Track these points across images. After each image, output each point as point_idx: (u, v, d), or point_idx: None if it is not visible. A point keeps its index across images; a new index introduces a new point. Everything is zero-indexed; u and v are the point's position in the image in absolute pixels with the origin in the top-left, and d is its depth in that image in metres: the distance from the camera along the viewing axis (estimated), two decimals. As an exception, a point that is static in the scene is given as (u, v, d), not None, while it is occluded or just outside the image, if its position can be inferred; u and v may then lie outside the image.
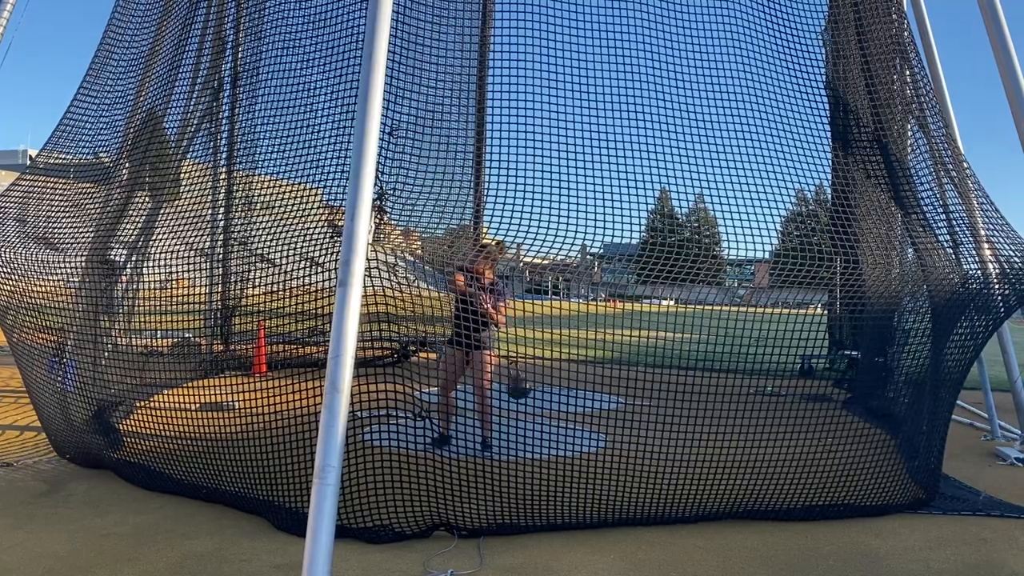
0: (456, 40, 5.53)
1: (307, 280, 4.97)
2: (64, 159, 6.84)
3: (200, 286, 7.23)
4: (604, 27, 5.40)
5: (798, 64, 5.79)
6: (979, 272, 5.52)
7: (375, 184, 4.07)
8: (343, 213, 4.00)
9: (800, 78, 5.79)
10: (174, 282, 6.11)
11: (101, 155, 6.84)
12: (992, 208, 5.72)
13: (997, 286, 5.31)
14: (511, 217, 5.07)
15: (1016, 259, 5.40)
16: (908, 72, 6.20)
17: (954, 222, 5.88)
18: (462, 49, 5.67)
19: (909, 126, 6.27)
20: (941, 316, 5.74)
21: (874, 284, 6.10)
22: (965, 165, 5.96)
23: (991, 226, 5.64)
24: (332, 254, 4.68)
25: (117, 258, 6.50)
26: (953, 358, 5.43)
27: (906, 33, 6.21)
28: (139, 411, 6.06)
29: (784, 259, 5.78)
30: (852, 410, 7.05)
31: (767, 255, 5.90)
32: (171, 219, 6.30)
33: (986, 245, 5.60)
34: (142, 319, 6.57)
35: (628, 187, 5.35)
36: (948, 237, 5.87)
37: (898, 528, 5.10)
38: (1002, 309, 5.35)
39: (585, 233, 5.22)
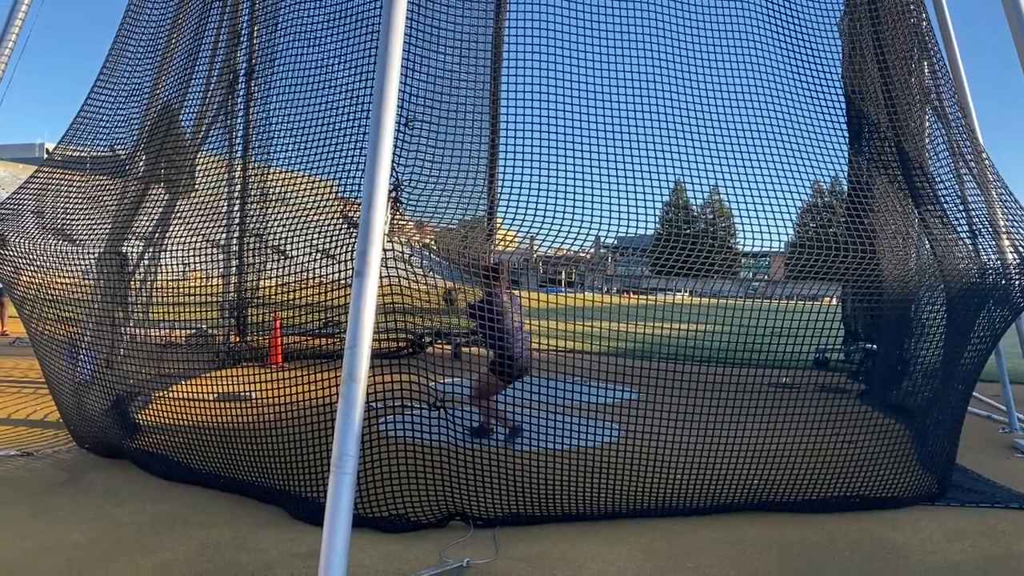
0: (471, 31, 5.52)
1: (322, 272, 4.99)
2: (81, 153, 6.89)
3: (216, 278, 7.27)
4: (620, 17, 5.37)
5: (814, 54, 5.74)
6: (998, 263, 5.47)
7: (391, 175, 4.07)
8: (358, 205, 4.00)
9: (817, 68, 5.74)
10: (190, 274, 6.15)
11: (117, 149, 6.88)
12: (1011, 198, 5.66)
13: (1016, 277, 5.26)
14: (525, 209, 5.07)
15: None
16: (926, 62, 6.13)
17: (972, 213, 5.82)
18: (477, 40, 5.66)
19: (927, 116, 6.21)
20: (958, 308, 5.70)
21: (891, 275, 6.06)
22: (984, 155, 5.90)
23: (1010, 216, 5.59)
24: (347, 246, 4.69)
25: (133, 250, 6.55)
26: (970, 350, 5.39)
27: (924, 22, 6.15)
28: (157, 402, 6.11)
29: (800, 251, 5.75)
30: (868, 402, 7.02)
31: (782, 247, 5.87)
32: (187, 212, 6.33)
33: (1005, 236, 5.55)
34: (159, 311, 6.62)
35: (643, 179, 5.34)
36: (967, 228, 5.82)
37: (915, 520, 5.07)
38: (1021, 300, 5.31)
39: (599, 225, 5.21)
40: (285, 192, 5.87)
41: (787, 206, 5.33)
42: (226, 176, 7.77)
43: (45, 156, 7.86)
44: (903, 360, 7.17)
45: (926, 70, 6.14)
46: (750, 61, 5.61)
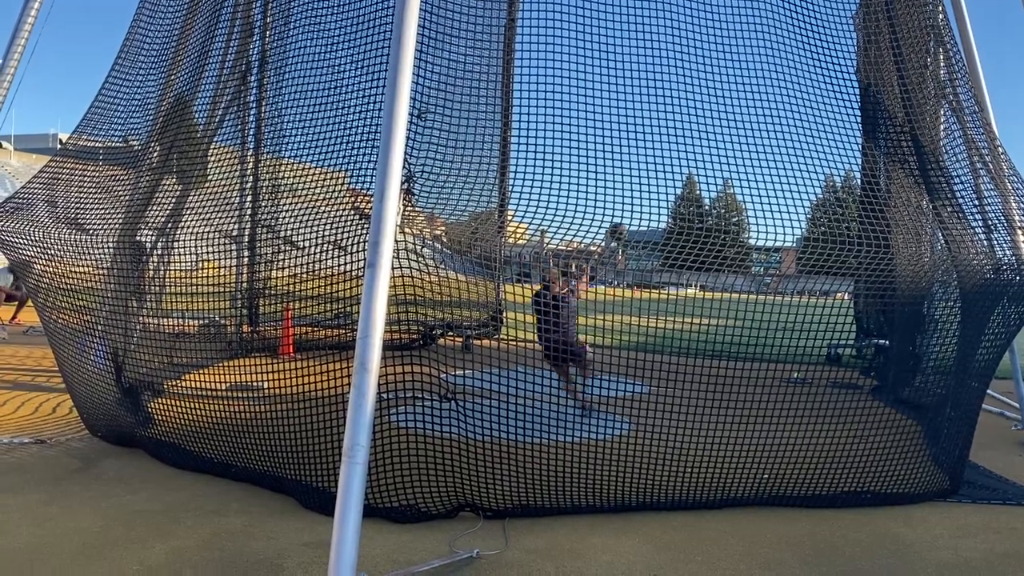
0: (484, 23, 5.51)
1: (334, 264, 5.00)
2: (94, 143, 6.92)
3: (228, 268, 7.29)
4: (632, 9, 5.35)
5: (829, 48, 5.70)
6: (1013, 259, 5.43)
7: (403, 167, 4.06)
8: (370, 197, 4.00)
9: (831, 62, 5.70)
10: (203, 264, 6.17)
11: (130, 139, 6.90)
12: (1027, 193, 5.62)
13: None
14: (537, 203, 5.07)
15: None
16: (942, 55, 6.08)
17: (987, 208, 5.78)
18: (490, 32, 5.65)
19: (942, 110, 6.16)
20: (972, 305, 5.66)
21: (904, 271, 6.03)
22: (1000, 150, 5.85)
23: (1025, 212, 5.55)
24: (359, 238, 4.70)
25: (146, 241, 6.57)
26: (984, 347, 5.36)
27: (940, 15, 6.09)
28: (169, 391, 6.15)
29: (812, 246, 5.73)
30: (880, 398, 6.99)
31: (794, 242, 5.84)
32: (199, 202, 6.35)
33: (1020, 231, 5.51)
34: (171, 301, 6.65)
35: (655, 173, 5.33)
36: (981, 223, 5.77)
37: (926, 516, 5.05)
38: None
39: (611, 219, 5.20)
40: (297, 184, 5.88)
41: (800, 200, 5.31)
42: (239, 167, 7.79)
43: (58, 146, 7.90)
44: (916, 356, 7.14)
45: (942, 63, 6.09)
46: (764, 54, 5.58)
